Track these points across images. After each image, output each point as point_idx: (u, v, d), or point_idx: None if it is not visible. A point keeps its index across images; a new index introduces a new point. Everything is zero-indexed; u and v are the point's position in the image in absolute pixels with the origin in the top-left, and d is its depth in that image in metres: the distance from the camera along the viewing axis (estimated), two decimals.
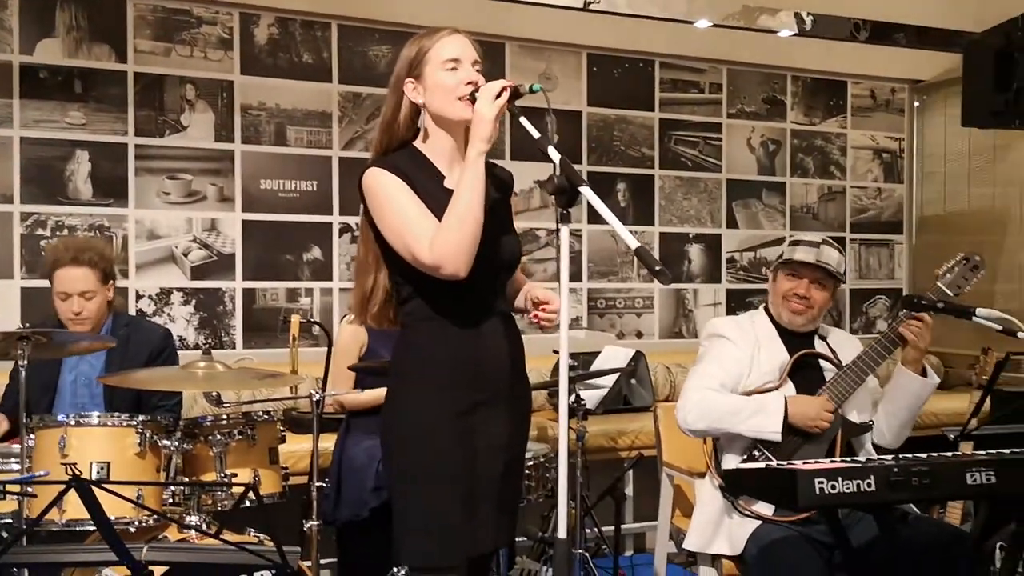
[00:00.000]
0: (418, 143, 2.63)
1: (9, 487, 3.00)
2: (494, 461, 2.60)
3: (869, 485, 2.46)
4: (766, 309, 3.50)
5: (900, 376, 3.34)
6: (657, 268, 2.11)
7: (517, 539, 4.09)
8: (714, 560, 3.36)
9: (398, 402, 2.62)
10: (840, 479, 2.45)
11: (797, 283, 3.39)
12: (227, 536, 2.72)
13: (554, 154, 2.29)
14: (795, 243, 3.47)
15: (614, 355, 5.59)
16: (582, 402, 4.26)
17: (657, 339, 6.37)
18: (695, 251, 6.52)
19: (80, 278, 3.73)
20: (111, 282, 3.84)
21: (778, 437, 3.19)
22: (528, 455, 3.83)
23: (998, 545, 3.72)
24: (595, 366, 5.43)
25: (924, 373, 3.33)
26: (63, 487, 2.12)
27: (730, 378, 3.33)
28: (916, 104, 7.23)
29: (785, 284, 3.41)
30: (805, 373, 3.35)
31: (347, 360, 3.94)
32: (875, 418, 3.38)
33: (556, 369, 5.06)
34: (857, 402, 3.33)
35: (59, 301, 3.76)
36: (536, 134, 2.38)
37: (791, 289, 3.40)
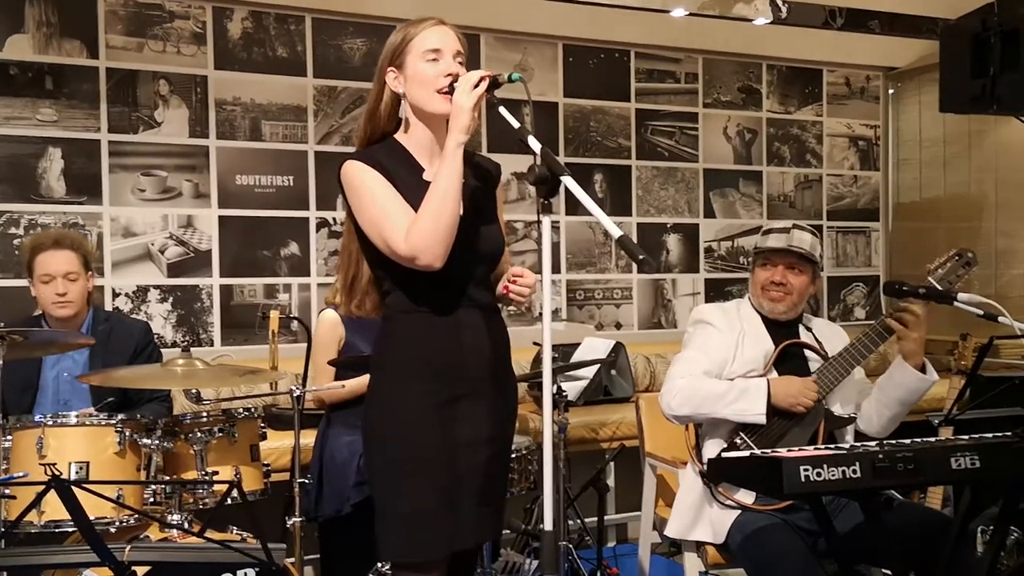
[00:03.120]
0: (399, 135, 2.61)
1: None
2: (476, 455, 2.57)
3: (855, 472, 2.45)
4: (750, 300, 3.49)
5: (896, 369, 3.27)
6: (641, 257, 2.09)
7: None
8: (698, 548, 3.36)
9: (378, 394, 2.60)
10: (826, 466, 2.43)
11: (772, 271, 3.38)
12: (210, 535, 2.69)
13: (535, 144, 2.27)
14: (767, 232, 3.47)
15: (594, 346, 5.58)
16: (563, 394, 4.25)
17: (636, 329, 6.37)
18: (673, 241, 6.52)
19: (64, 259, 3.73)
20: (90, 272, 3.83)
21: (762, 419, 3.18)
22: None
23: (979, 529, 3.73)
24: (575, 357, 5.42)
25: (924, 369, 3.25)
26: (42, 488, 2.09)
27: (714, 365, 3.32)
28: (891, 91, 7.26)
29: (761, 274, 3.41)
30: (790, 363, 3.34)
31: (327, 353, 3.91)
32: (866, 404, 3.36)
33: (536, 361, 5.10)
34: (841, 394, 3.32)
35: (42, 285, 3.73)
36: (516, 124, 2.35)
37: (767, 278, 3.39)
